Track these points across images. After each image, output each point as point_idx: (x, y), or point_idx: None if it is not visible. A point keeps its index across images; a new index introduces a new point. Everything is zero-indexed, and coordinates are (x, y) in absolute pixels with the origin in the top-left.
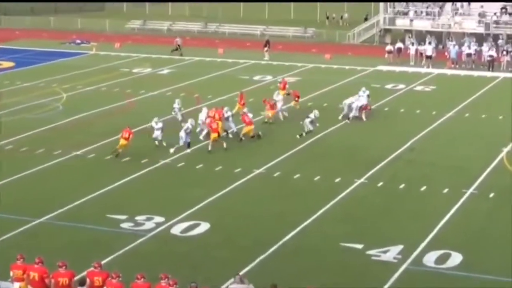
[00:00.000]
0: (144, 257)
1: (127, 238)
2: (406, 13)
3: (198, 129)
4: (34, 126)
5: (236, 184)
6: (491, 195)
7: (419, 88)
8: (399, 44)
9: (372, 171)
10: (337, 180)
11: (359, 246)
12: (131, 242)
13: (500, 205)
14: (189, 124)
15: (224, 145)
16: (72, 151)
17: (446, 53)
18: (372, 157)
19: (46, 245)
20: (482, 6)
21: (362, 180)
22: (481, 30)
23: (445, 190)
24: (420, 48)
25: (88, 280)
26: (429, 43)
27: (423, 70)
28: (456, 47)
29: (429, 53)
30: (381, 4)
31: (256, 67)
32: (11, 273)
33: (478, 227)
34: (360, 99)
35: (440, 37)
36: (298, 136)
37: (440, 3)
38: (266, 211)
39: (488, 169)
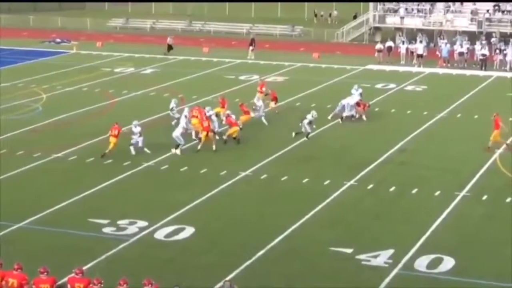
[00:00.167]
0: (127, 263)
1: (109, 243)
2: (396, 11)
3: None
4: (12, 128)
5: (222, 187)
6: (484, 197)
7: (410, 87)
8: (390, 43)
9: (362, 173)
10: (326, 182)
11: (349, 251)
12: (113, 247)
13: (493, 208)
14: (184, 124)
15: (214, 147)
16: (52, 153)
17: (437, 52)
18: (362, 159)
19: (26, 251)
20: (474, 4)
21: (351, 182)
22: (473, 28)
23: (437, 193)
24: (411, 46)
25: (69, 287)
26: (420, 41)
27: (414, 69)
28: (448, 45)
29: (420, 52)
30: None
31: (242, 67)
32: None
33: (471, 231)
34: (353, 97)
35: (431, 36)
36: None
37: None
38: (253, 215)
39: (481, 171)
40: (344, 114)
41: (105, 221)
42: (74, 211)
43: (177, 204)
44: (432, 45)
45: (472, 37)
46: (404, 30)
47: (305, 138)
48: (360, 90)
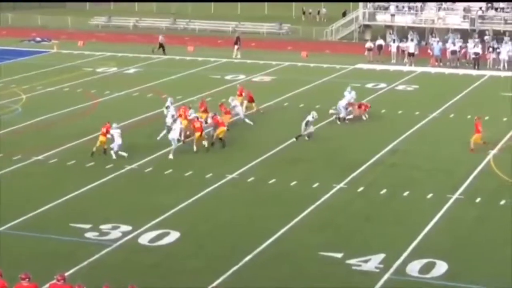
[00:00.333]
0: (110, 269)
1: (91, 248)
2: (387, 8)
3: (162, 133)
4: None
5: (208, 190)
6: (478, 200)
7: (401, 87)
8: (380, 41)
9: (352, 175)
10: (315, 185)
11: (339, 255)
12: (96, 252)
13: (487, 210)
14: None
15: (194, 148)
16: (33, 156)
17: (429, 50)
18: (352, 161)
19: (5, 256)
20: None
21: (341, 185)
22: (466, 25)
23: (429, 195)
24: (402, 45)
25: None
26: (412, 39)
27: (405, 68)
28: (440, 43)
29: (411, 50)
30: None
31: (228, 66)
32: None
33: (464, 234)
34: (344, 98)
35: (423, 33)
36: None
37: None
38: (240, 219)
39: (475, 173)
40: (341, 115)
41: (88, 226)
42: (55, 216)
43: (161, 208)
44: (423, 43)
45: (465, 35)
46: (394, 28)
47: (290, 140)
48: (353, 93)
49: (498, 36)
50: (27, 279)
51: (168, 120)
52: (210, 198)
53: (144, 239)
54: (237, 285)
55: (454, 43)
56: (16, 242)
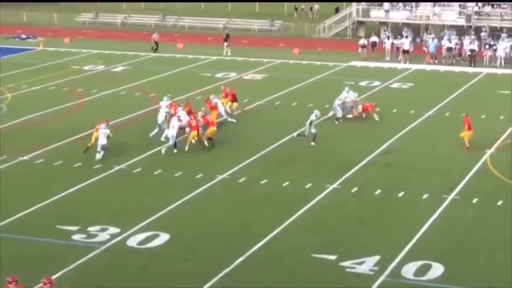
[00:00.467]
0: (97, 272)
1: (79, 251)
2: (381, 4)
3: (155, 131)
4: None
5: (198, 191)
6: (475, 200)
7: (395, 85)
8: (374, 38)
9: (346, 175)
10: (307, 185)
11: (332, 257)
12: (83, 255)
13: (484, 211)
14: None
15: (186, 148)
16: (18, 156)
17: (424, 47)
18: (345, 161)
19: None
20: None
21: (334, 185)
22: (462, 22)
23: (425, 196)
24: (397, 42)
25: None
26: (406, 36)
27: (400, 65)
28: (435, 40)
29: (406, 47)
30: None
31: (219, 64)
32: None
33: (461, 236)
34: (341, 96)
35: (417, 30)
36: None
37: None
38: (231, 220)
39: (471, 173)
40: (337, 115)
41: (75, 228)
42: (41, 218)
43: (150, 209)
44: (418, 40)
45: (461, 31)
46: (389, 24)
47: (282, 139)
48: (351, 93)
49: (495, 33)
50: (14, 283)
51: (160, 118)
52: (201, 199)
53: (132, 242)
54: None
55: (449, 40)
56: (2, 245)
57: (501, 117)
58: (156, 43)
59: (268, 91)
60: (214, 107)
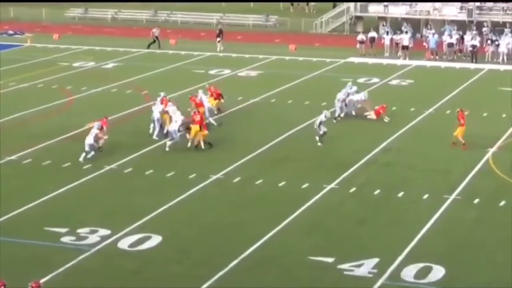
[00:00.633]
0: (88, 275)
1: (68, 253)
2: None
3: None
4: None
5: (191, 192)
6: (476, 201)
7: (395, 82)
8: (372, 33)
9: (344, 175)
10: (304, 185)
11: (330, 260)
12: (73, 258)
13: (486, 212)
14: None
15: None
16: (5, 156)
17: (424, 43)
18: (343, 160)
19: None
20: None
21: (332, 185)
22: (463, 17)
23: (425, 196)
24: (396, 37)
25: None
26: (406, 32)
27: (399, 62)
28: (436, 36)
29: (405, 43)
30: None
31: (212, 60)
32: None
33: (463, 237)
34: (355, 95)
35: (417, 25)
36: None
37: None
38: (225, 221)
39: (473, 172)
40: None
41: (64, 230)
42: (29, 219)
43: (142, 211)
44: (418, 35)
45: (462, 26)
46: (388, 19)
47: (278, 138)
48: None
49: (497, 28)
50: (2, 286)
51: (155, 115)
52: (194, 200)
53: (124, 244)
54: None
55: (450, 35)
56: None
57: (503, 115)
58: (157, 38)
59: (263, 88)
60: (200, 104)
